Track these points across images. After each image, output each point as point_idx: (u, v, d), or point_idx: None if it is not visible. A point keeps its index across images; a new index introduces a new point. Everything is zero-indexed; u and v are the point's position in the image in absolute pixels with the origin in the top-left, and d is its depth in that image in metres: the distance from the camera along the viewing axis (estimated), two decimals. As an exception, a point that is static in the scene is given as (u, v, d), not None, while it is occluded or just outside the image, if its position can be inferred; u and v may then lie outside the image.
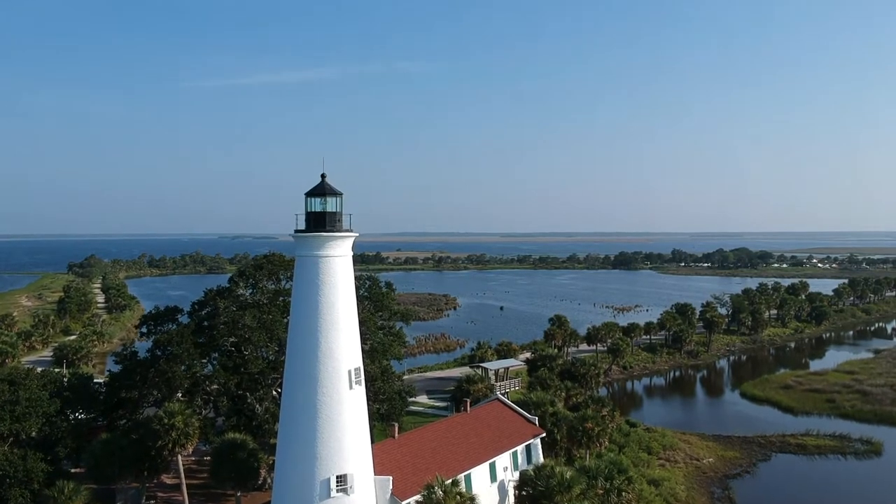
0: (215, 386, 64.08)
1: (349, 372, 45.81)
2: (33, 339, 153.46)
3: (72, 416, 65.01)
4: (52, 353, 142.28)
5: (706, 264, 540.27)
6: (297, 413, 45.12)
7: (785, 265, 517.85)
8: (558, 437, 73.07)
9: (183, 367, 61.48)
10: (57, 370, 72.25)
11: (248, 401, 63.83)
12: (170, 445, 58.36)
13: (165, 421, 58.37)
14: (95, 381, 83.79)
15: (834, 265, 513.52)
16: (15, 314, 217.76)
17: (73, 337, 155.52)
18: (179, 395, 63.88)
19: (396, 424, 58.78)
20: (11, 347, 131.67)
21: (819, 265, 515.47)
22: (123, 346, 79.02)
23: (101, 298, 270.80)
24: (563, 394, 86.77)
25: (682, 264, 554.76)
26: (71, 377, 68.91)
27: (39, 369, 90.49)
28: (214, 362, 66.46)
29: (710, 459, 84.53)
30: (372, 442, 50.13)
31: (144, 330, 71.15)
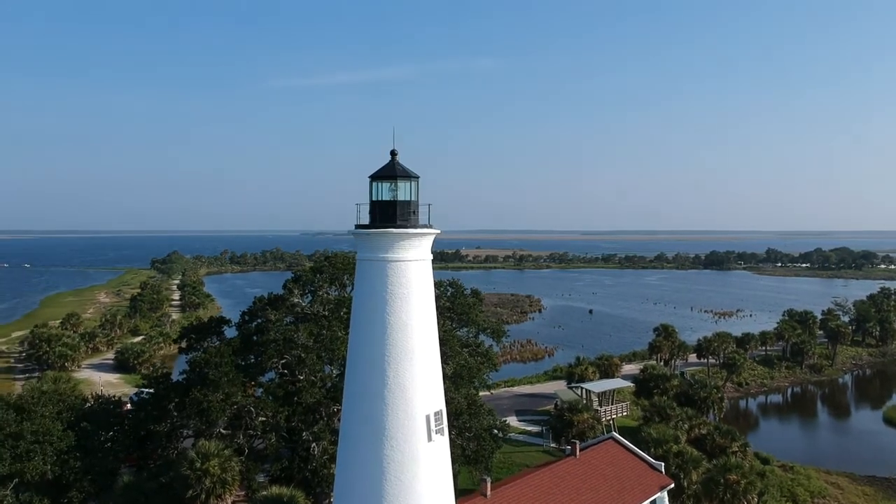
0: (262, 418, 51.60)
1: (427, 418, 32.12)
2: (98, 340, 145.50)
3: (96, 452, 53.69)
4: (114, 356, 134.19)
5: (804, 265, 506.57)
6: (357, 473, 31.90)
7: (893, 266, 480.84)
8: (685, 485, 58.48)
9: (221, 396, 49.14)
10: (74, 396, 60.78)
11: (303, 437, 51.19)
12: (203, 496, 46.49)
13: (198, 465, 46.46)
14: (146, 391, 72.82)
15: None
16: (90, 312, 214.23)
17: (139, 339, 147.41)
18: (221, 428, 51.69)
19: (488, 479, 45.10)
20: (72, 350, 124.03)
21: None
22: (153, 366, 67.94)
23: (177, 296, 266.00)
24: (686, 425, 71.39)
25: (779, 264, 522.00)
26: (94, 402, 57.63)
27: (98, 375, 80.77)
28: (263, 388, 54.37)
29: (874, 513, 68.03)
30: (455, 497, 36.72)
31: (184, 345, 59.78)
